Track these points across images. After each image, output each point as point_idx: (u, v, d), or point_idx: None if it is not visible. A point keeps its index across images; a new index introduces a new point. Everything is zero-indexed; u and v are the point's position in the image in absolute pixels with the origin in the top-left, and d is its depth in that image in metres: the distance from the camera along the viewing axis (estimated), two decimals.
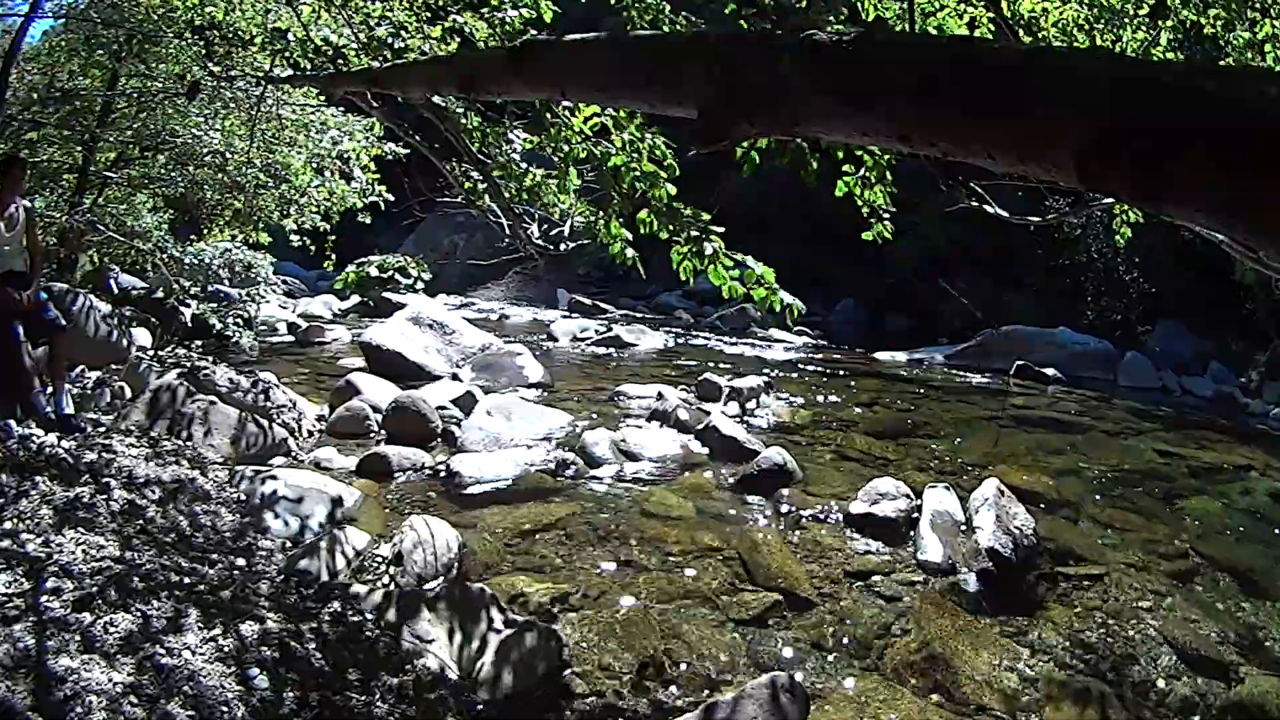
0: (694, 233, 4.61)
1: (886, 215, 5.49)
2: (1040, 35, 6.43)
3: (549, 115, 5.55)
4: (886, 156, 4.99)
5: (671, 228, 4.69)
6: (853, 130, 2.04)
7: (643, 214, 4.80)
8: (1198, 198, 1.40)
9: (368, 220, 13.70)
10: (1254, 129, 1.28)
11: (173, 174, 13.56)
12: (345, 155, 12.98)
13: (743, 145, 4.08)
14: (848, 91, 1.91)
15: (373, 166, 12.95)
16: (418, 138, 7.01)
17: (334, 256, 14.37)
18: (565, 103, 5.29)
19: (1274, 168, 1.24)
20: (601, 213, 5.24)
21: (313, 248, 14.23)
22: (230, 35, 10.88)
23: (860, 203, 5.30)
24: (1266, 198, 1.28)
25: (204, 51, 11.57)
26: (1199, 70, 1.51)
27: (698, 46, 2.41)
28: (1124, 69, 1.63)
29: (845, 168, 4.99)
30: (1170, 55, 6.68)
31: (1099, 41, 6.58)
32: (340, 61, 7.87)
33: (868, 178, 5.06)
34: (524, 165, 6.30)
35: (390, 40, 6.70)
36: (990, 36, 5.96)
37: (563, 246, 6.24)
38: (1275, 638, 5.93)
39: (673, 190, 4.95)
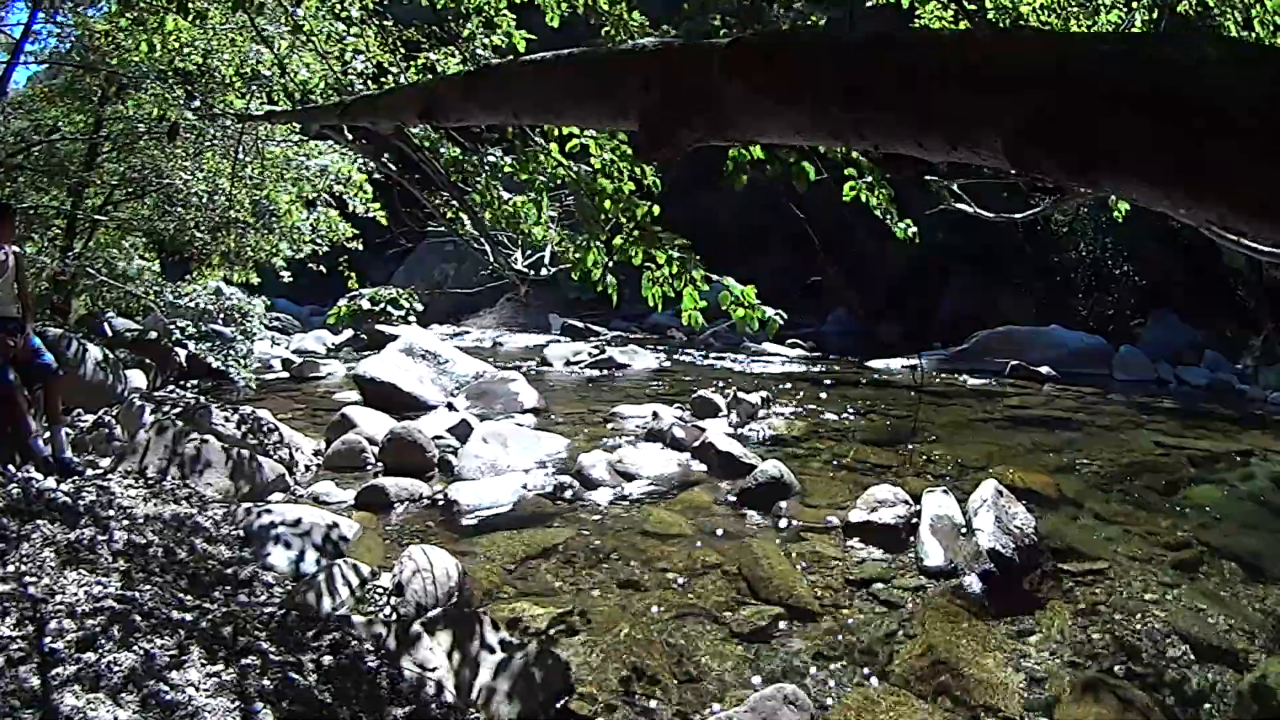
0: (672, 253, 4.61)
1: (891, 216, 5.48)
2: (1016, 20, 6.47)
3: (522, 142, 5.56)
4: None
5: (649, 251, 4.68)
6: (786, 130, 2.05)
7: (617, 240, 4.79)
8: (1129, 173, 1.41)
9: (359, 247, 13.74)
10: (1187, 98, 1.30)
11: (161, 215, 13.60)
12: (335, 185, 13.00)
13: (731, 160, 4.11)
14: (777, 92, 1.93)
15: (368, 188, 12.90)
16: (398, 168, 7.04)
17: (353, 275, 14.37)
18: (539, 126, 5.31)
19: (1209, 137, 1.26)
20: (580, 240, 5.23)
21: (322, 269, 14.23)
22: (210, 77, 10.92)
23: (873, 205, 5.29)
24: (1200, 169, 1.29)
25: (185, 94, 11.61)
26: (1130, 42, 1.52)
27: (636, 58, 2.42)
28: (1055, 49, 1.63)
29: (848, 171, 4.98)
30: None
31: (1074, 25, 6.61)
32: (314, 98, 7.92)
33: (870, 182, 5.06)
34: (504, 194, 6.31)
35: (364, 76, 6.75)
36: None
37: (544, 272, 6.25)
38: None
39: (655, 211, 4.93)
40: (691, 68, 2.12)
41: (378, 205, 12.57)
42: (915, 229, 5.69)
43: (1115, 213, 7.47)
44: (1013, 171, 1.62)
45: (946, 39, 1.72)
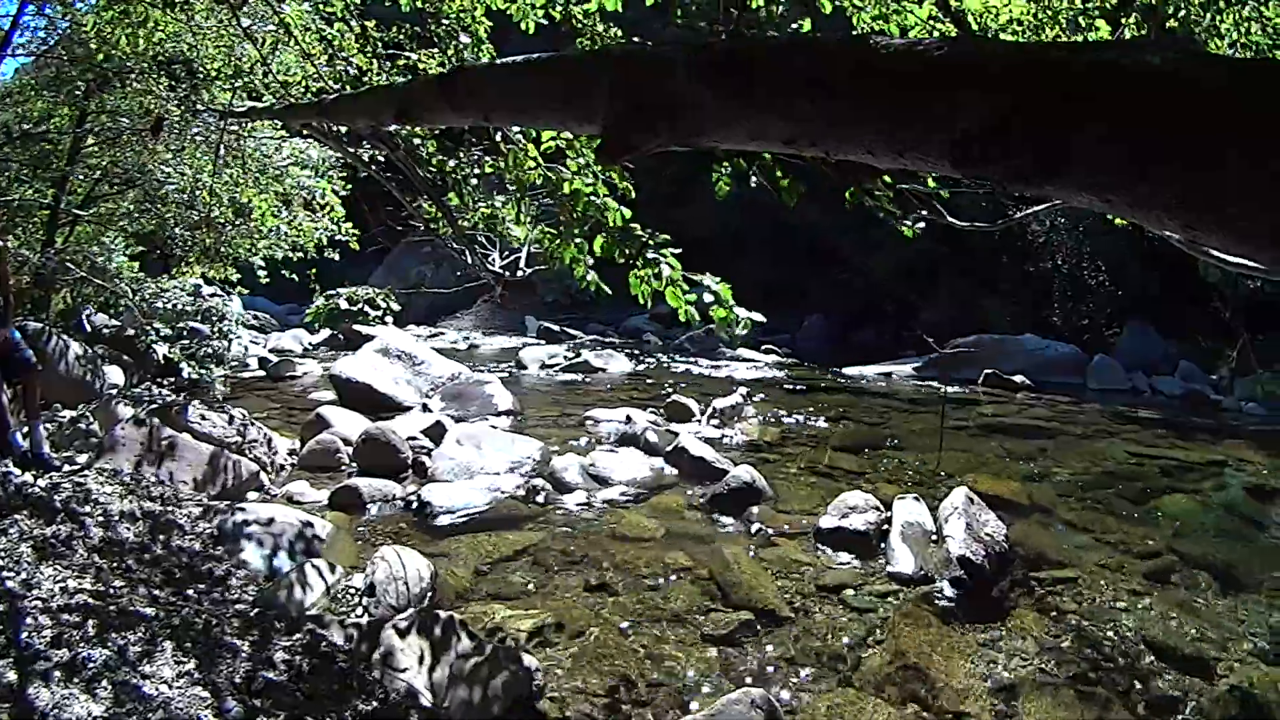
0: (650, 255, 4.64)
1: (894, 217, 5.52)
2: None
3: (503, 143, 5.58)
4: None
5: (627, 251, 4.71)
6: (745, 135, 2.07)
7: (598, 240, 4.82)
8: (1073, 179, 1.43)
9: (335, 256, 13.70)
10: (1174, 107, 1.32)
11: (143, 210, 13.52)
12: (312, 190, 12.95)
13: (718, 169, 4.13)
14: (737, 99, 1.96)
15: (338, 203, 12.87)
16: (377, 168, 7.04)
17: (318, 287, 14.48)
18: (515, 128, 5.33)
19: (1200, 146, 1.29)
20: (560, 237, 5.24)
21: (294, 277, 14.20)
22: (195, 71, 10.88)
23: (875, 208, 5.32)
24: (1187, 179, 1.32)
25: (169, 88, 11.56)
26: (1110, 49, 1.53)
27: (602, 64, 2.46)
28: (1005, 58, 1.66)
29: None
30: None
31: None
32: (296, 96, 7.92)
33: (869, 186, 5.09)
34: (485, 192, 6.32)
35: (345, 75, 6.75)
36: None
37: (519, 274, 6.26)
38: (1251, 631, 5.97)
39: (627, 214, 4.95)
40: (657, 73, 2.15)
41: (350, 225, 12.59)
42: (922, 224, 5.74)
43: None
44: (960, 177, 1.64)
45: (907, 45, 1.74)
